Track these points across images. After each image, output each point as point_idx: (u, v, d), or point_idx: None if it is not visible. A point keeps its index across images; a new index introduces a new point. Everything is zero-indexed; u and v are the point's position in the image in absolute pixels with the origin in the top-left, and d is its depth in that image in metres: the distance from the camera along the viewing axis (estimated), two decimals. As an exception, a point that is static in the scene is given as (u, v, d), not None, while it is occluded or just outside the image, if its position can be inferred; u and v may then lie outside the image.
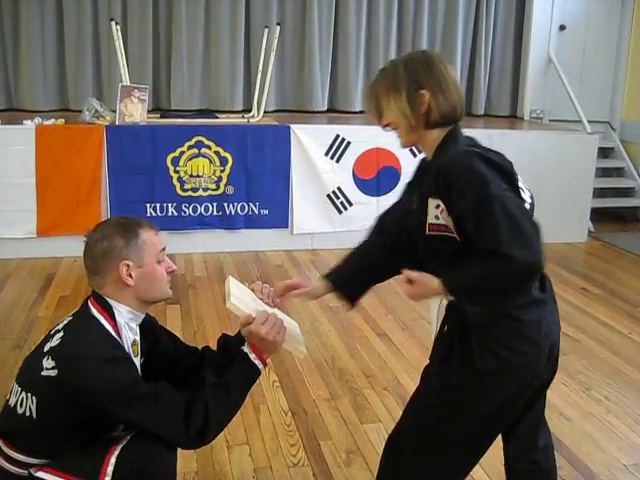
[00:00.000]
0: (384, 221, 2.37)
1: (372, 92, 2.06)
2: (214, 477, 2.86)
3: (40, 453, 2.02)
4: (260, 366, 2.15)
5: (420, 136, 2.03)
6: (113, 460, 1.97)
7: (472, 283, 1.87)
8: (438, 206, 1.90)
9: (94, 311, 2.05)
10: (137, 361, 2.11)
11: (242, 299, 2.20)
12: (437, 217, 1.91)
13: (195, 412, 1.99)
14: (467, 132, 6.29)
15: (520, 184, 1.94)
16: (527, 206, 1.93)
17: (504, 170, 1.90)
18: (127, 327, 2.09)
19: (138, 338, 2.15)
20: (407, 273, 1.97)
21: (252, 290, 2.33)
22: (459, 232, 1.89)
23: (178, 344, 2.41)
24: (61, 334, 2.03)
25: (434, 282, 1.91)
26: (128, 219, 2.17)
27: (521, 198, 1.91)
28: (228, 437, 3.12)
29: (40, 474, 1.99)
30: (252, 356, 2.13)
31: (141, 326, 2.18)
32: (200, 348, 2.44)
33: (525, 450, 2.24)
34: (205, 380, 2.08)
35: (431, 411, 2.08)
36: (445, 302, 2.02)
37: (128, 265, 2.07)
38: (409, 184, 2.27)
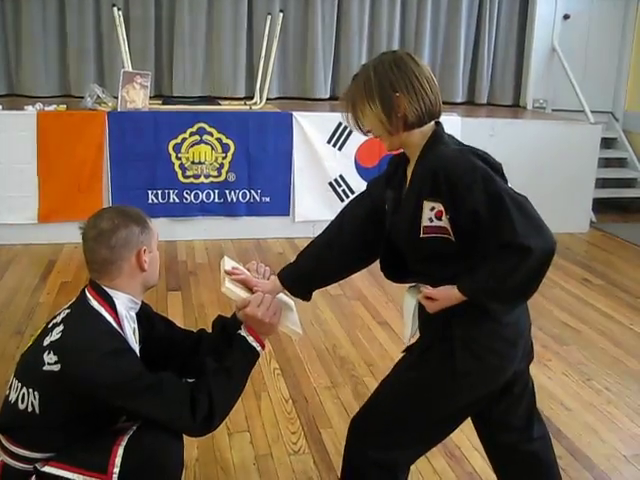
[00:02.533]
0: (347, 217, 2.32)
1: (346, 102, 2.06)
2: (215, 464, 2.86)
3: (45, 448, 2.02)
4: (259, 349, 2.15)
5: (404, 138, 1.99)
6: (121, 451, 1.96)
7: (496, 282, 1.86)
8: (433, 208, 1.88)
9: (94, 303, 2.04)
10: (138, 349, 2.11)
11: (237, 282, 2.18)
12: (431, 219, 1.89)
13: (200, 399, 1.99)
14: (470, 121, 6.28)
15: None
16: None
17: (495, 168, 1.90)
18: (128, 317, 2.08)
19: (137, 326, 2.15)
20: (427, 292, 1.99)
21: (247, 270, 2.32)
22: (456, 232, 1.89)
23: (174, 328, 2.42)
24: (61, 327, 2.01)
25: (454, 292, 1.93)
26: (129, 208, 2.17)
27: None
28: (229, 424, 3.12)
29: (47, 469, 1.99)
30: (250, 339, 2.14)
31: (137, 314, 2.18)
32: (196, 331, 2.44)
33: (520, 441, 2.23)
34: (205, 366, 2.08)
35: (398, 397, 2.09)
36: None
37: (145, 250, 2.08)
38: (381, 180, 2.24)
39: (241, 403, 3.32)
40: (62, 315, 2.08)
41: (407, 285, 2.19)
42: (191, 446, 2.93)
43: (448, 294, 1.94)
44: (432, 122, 1.99)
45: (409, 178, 2.03)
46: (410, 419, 2.06)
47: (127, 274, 2.08)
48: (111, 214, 2.11)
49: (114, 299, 2.06)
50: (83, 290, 2.11)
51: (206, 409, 1.99)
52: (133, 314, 2.13)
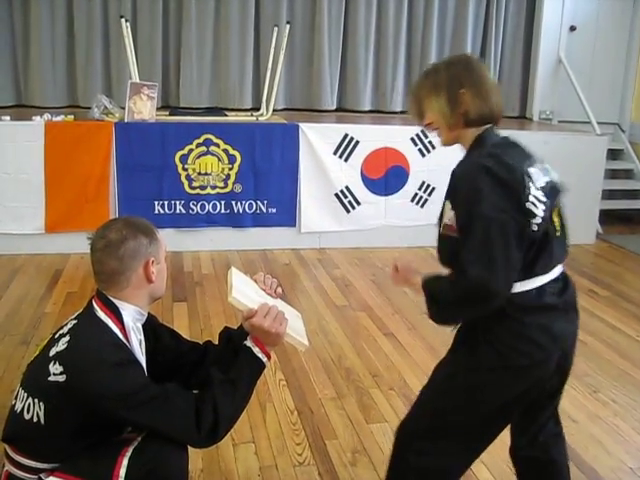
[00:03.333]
0: None
1: (414, 93, 2.17)
2: (220, 475, 2.86)
3: (50, 458, 2.02)
4: (264, 359, 2.15)
5: (459, 134, 2.10)
6: (125, 462, 1.96)
7: (437, 292, 2.02)
8: (451, 208, 1.99)
9: (101, 314, 2.04)
10: (144, 361, 2.11)
11: (244, 292, 2.20)
12: (450, 219, 1.98)
13: (205, 411, 1.99)
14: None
15: (533, 197, 1.94)
16: (536, 224, 1.93)
17: (509, 187, 1.91)
18: (135, 328, 2.08)
19: (143, 338, 2.15)
20: (395, 262, 2.22)
21: (255, 281, 2.33)
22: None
23: (180, 340, 2.41)
24: (67, 338, 2.01)
25: (416, 278, 2.12)
26: (138, 219, 2.18)
27: (529, 215, 1.92)
28: (234, 435, 3.12)
29: (51, 479, 1.98)
30: (256, 350, 2.14)
31: (143, 325, 2.18)
32: (202, 343, 2.44)
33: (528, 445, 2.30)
34: (211, 377, 2.08)
35: (437, 396, 2.14)
36: None
37: (153, 261, 2.09)
38: None
39: (246, 414, 3.30)
40: (69, 326, 2.08)
41: None
42: (196, 457, 2.93)
43: (408, 277, 2.17)
44: (488, 125, 2.09)
45: None
46: (447, 416, 2.08)
47: (135, 285, 2.08)
48: (119, 225, 2.11)
49: (121, 310, 2.06)
50: (90, 301, 2.11)
51: (211, 421, 1.99)
52: (139, 325, 2.13)
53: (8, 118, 5.62)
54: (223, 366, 2.13)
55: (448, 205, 2.00)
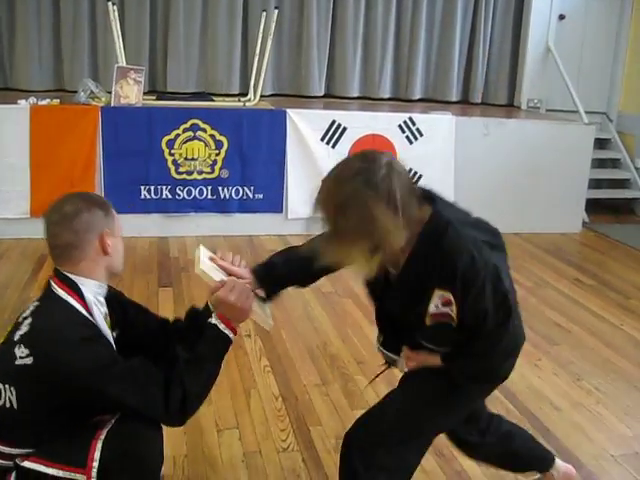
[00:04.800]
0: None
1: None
2: (203, 461, 2.86)
3: (24, 443, 2.00)
4: (231, 335, 2.13)
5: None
6: (99, 445, 1.95)
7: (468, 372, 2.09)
8: (442, 296, 1.93)
9: (61, 292, 2.02)
10: (110, 335, 2.09)
11: (212, 267, 2.19)
12: (437, 306, 1.95)
13: (172, 388, 1.98)
14: (464, 120, 6.25)
15: None
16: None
17: (501, 249, 2.02)
18: (97, 302, 2.07)
19: (107, 311, 2.13)
20: (407, 355, 2.25)
21: (222, 260, 2.31)
22: (459, 321, 1.97)
23: (149, 315, 2.41)
24: (30, 320, 2.00)
25: (434, 360, 2.12)
26: (93, 194, 2.22)
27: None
28: (218, 421, 3.13)
29: (26, 464, 1.97)
30: (221, 326, 2.12)
31: (108, 299, 2.15)
32: (171, 320, 2.43)
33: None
34: (178, 356, 2.07)
35: (402, 399, 2.24)
36: None
37: (108, 233, 2.07)
38: None
39: (230, 400, 3.32)
40: (31, 308, 2.06)
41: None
42: (180, 443, 2.94)
43: (426, 359, 2.16)
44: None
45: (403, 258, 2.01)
46: (420, 424, 2.16)
47: (91, 259, 2.06)
48: (74, 199, 2.10)
49: (80, 285, 2.04)
50: (48, 281, 2.10)
51: (179, 398, 1.98)
52: (101, 299, 2.11)
53: (-7, 101, 5.59)
54: (189, 344, 2.11)
55: (439, 293, 1.93)
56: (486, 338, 1.98)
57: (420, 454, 2.21)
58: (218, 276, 2.16)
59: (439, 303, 1.93)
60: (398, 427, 2.14)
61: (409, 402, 2.18)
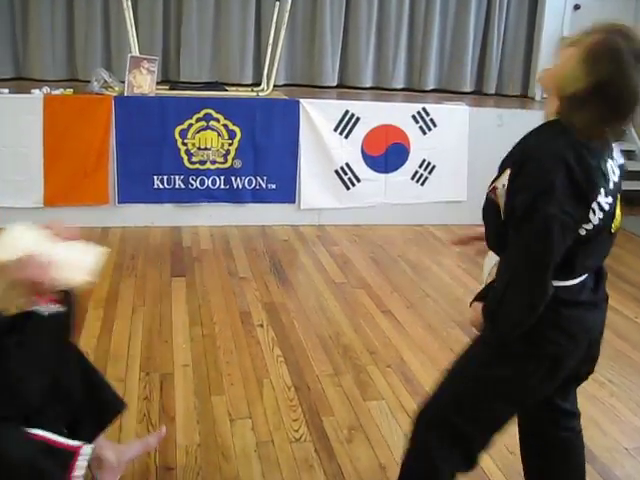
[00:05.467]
0: None
1: None
2: (216, 450, 2.87)
3: None
4: (55, 308, 1.97)
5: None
6: None
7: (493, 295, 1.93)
8: (509, 180, 1.84)
9: None
10: None
11: (10, 244, 2.03)
12: (504, 185, 1.84)
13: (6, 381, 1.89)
14: (478, 111, 6.25)
15: (597, 205, 1.84)
16: (585, 229, 1.85)
17: (581, 191, 1.80)
18: None
19: None
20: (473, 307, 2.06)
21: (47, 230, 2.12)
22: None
23: None
24: None
25: (479, 306, 2.00)
26: None
27: (584, 220, 1.84)
28: (231, 411, 3.13)
29: None
30: (41, 309, 1.96)
31: None
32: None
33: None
34: (6, 347, 1.93)
35: (464, 384, 2.09)
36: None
37: None
38: None
39: (243, 390, 3.33)
40: None
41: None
42: (193, 432, 2.95)
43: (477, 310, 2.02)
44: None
45: None
46: (472, 403, 2.05)
47: None
48: None
49: None
50: None
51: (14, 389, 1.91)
52: None
53: (7, 91, 5.59)
54: (18, 334, 1.96)
55: (507, 173, 1.84)
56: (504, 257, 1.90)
57: (485, 428, 2.11)
58: (11, 254, 1.97)
59: (506, 184, 1.84)
60: (447, 408, 2.10)
61: (457, 375, 2.13)
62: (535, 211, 1.76)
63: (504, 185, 1.83)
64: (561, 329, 1.95)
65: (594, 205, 1.83)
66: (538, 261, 1.81)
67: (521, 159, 1.82)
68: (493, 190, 1.88)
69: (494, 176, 1.92)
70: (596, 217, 1.85)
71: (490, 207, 1.92)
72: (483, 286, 2.11)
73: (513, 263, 1.86)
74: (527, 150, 1.84)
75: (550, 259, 1.80)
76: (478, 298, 2.07)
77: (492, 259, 2.08)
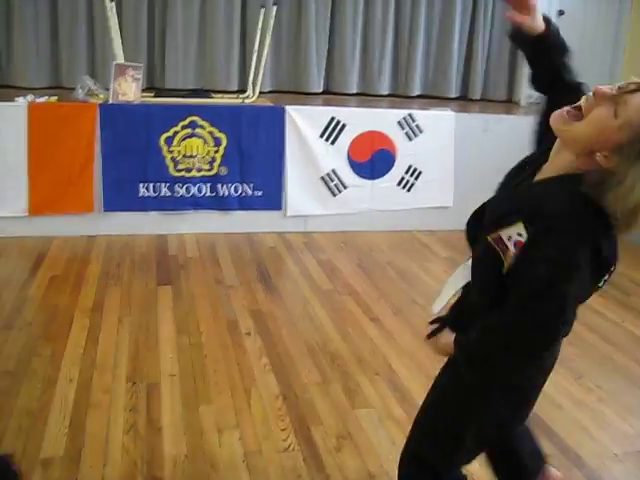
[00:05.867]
0: None
1: None
2: (204, 461, 2.84)
3: None
4: None
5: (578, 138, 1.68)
6: None
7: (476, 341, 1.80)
8: (519, 234, 1.66)
9: None
10: None
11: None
12: (510, 238, 1.68)
13: None
14: (463, 116, 6.27)
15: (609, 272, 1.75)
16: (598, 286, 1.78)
17: (604, 263, 1.71)
18: None
19: None
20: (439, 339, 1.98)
21: None
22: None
23: None
24: None
25: (449, 338, 1.91)
26: None
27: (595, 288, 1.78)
28: (218, 421, 3.11)
29: None
30: None
31: None
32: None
33: None
34: None
35: (444, 403, 2.04)
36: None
37: None
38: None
39: (230, 399, 3.31)
40: None
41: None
42: (180, 442, 2.93)
43: (441, 338, 1.96)
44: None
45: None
46: (466, 437, 1.98)
47: None
48: None
49: None
50: None
51: None
52: None
53: (-10, 99, 5.56)
54: None
55: (518, 227, 1.66)
56: (505, 310, 1.71)
57: (459, 457, 2.06)
58: None
59: (513, 236, 1.67)
60: (428, 436, 2.06)
61: (431, 408, 2.08)
62: (553, 287, 1.63)
63: (511, 238, 1.67)
64: (541, 369, 1.95)
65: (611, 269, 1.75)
66: (550, 333, 1.71)
67: (544, 222, 1.63)
68: (498, 240, 1.70)
69: (491, 217, 1.79)
70: (605, 276, 1.77)
71: (489, 257, 1.74)
72: (439, 310, 2.06)
73: (518, 329, 1.70)
74: (551, 213, 1.64)
75: (561, 331, 1.72)
76: (440, 326, 2.01)
77: (459, 280, 1.99)
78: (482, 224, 1.81)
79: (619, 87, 1.67)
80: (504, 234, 1.68)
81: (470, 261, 1.91)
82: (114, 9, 5.71)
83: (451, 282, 2.03)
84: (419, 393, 1.90)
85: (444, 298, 2.04)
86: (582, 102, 1.66)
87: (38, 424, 3.00)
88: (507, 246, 1.68)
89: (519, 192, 1.79)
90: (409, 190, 6.29)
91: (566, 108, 1.68)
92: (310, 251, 5.62)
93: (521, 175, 1.87)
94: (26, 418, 3.04)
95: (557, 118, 1.69)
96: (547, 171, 1.76)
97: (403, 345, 4.00)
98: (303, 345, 3.95)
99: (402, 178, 6.25)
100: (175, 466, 2.79)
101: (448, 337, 1.91)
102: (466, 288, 1.96)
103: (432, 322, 2.06)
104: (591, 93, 1.68)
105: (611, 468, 2.98)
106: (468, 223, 1.93)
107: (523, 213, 1.66)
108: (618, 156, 1.58)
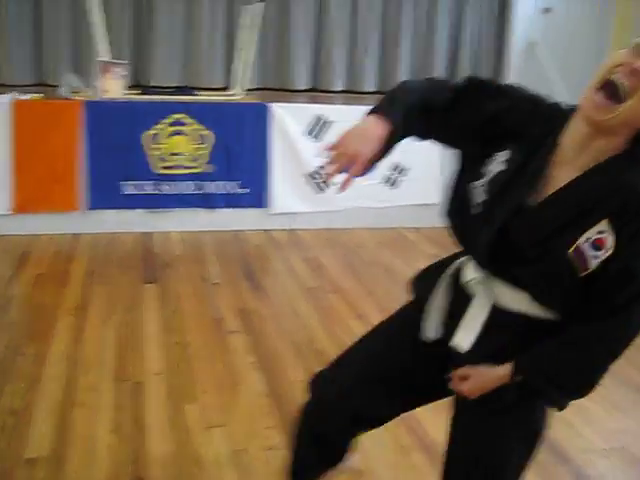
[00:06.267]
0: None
1: None
2: (190, 459, 2.83)
3: None
4: None
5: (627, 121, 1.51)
6: None
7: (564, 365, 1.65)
8: (600, 232, 1.52)
9: None
10: None
11: None
12: (588, 239, 1.53)
13: None
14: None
15: None
16: None
17: None
18: None
19: None
20: (462, 371, 1.73)
21: None
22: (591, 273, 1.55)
23: None
24: None
25: (495, 370, 1.68)
26: None
27: None
28: (204, 419, 3.10)
29: None
30: None
31: None
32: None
33: None
34: None
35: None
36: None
37: None
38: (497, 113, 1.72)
39: (216, 398, 3.30)
40: None
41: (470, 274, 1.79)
42: (166, 441, 2.91)
43: (485, 372, 1.70)
44: None
45: (570, 174, 1.59)
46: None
47: None
48: None
49: None
50: None
51: None
52: None
53: (-26, 96, 5.52)
54: None
55: (603, 224, 1.52)
56: (604, 318, 1.56)
57: None
58: None
59: (592, 238, 1.52)
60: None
61: (480, 459, 1.79)
62: None
63: (588, 239, 1.53)
64: None
65: None
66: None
67: (632, 212, 1.50)
68: (577, 252, 1.54)
69: (550, 229, 1.58)
70: None
71: (561, 269, 1.57)
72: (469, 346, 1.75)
73: (628, 331, 1.58)
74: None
75: None
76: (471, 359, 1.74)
77: (482, 308, 1.74)
78: (515, 245, 1.63)
79: None
80: (582, 239, 1.53)
81: (488, 284, 1.72)
82: (98, 7, 5.68)
83: (472, 313, 1.74)
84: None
85: (471, 331, 1.74)
86: (617, 81, 1.48)
87: (22, 423, 2.98)
88: (582, 250, 1.53)
89: (575, 191, 1.58)
90: (395, 187, 6.29)
91: (596, 97, 1.50)
92: (296, 249, 5.61)
93: (519, 185, 1.64)
94: (10, 417, 3.02)
95: (598, 109, 1.50)
96: (578, 165, 1.58)
97: (389, 342, 4.00)
98: (289, 343, 3.94)
99: (388, 175, 6.25)
100: (161, 465, 2.78)
101: (490, 371, 1.70)
102: (495, 311, 1.73)
103: (455, 364, 1.78)
104: (625, 75, 1.47)
105: (597, 463, 2.99)
106: (489, 254, 1.68)
107: (609, 208, 1.51)
108: None
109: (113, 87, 5.60)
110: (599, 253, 1.52)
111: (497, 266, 1.69)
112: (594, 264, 1.52)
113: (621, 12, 8.04)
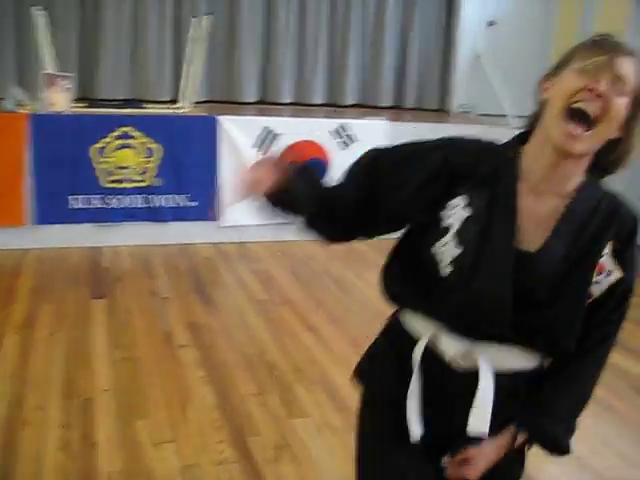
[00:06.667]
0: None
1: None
2: (140, 476, 2.80)
3: None
4: None
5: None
6: None
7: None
8: (602, 255, 1.51)
9: None
10: None
11: None
12: (599, 273, 1.50)
13: None
14: (396, 125, 6.29)
15: None
16: None
17: None
18: None
19: None
20: (461, 455, 1.57)
21: None
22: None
23: None
24: None
25: (496, 441, 1.57)
26: None
27: None
28: (153, 435, 3.07)
29: None
30: None
31: None
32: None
33: None
34: None
35: None
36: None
37: None
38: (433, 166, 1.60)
39: (166, 413, 3.27)
40: None
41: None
42: (115, 457, 2.88)
43: (486, 450, 1.56)
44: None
45: (547, 201, 1.52)
46: None
47: None
48: None
49: None
50: None
51: None
52: None
53: None
54: None
55: (608, 247, 1.50)
56: (599, 343, 1.57)
57: None
58: None
59: (608, 272, 1.50)
60: None
61: None
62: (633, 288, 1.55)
63: (600, 273, 1.51)
64: None
65: None
66: None
67: (630, 226, 1.52)
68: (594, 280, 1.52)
69: (566, 265, 1.50)
70: None
71: (582, 304, 1.52)
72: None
73: (613, 344, 1.59)
74: (633, 216, 1.53)
75: None
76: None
77: (487, 385, 1.55)
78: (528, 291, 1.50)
79: (595, 67, 1.40)
80: (596, 277, 1.50)
81: (479, 352, 1.54)
82: (43, 18, 5.63)
83: (481, 395, 1.55)
84: (356, 401, 1.85)
85: (485, 410, 1.55)
86: (586, 109, 1.41)
87: (-32, 444, 2.92)
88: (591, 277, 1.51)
89: (573, 219, 1.51)
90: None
91: (569, 127, 1.42)
92: (246, 261, 5.61)
93: (499, 226, 1.52)
94: (-45, 438, 2.96)
95: (573, 140, 1.43)
96: (554, 191, 1.52)
97: (340, 353, 4.01)
98: (239, 356, 3.93)
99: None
100: (110, 482, 2.75)
101: (491, 444, 1.57)
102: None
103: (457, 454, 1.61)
104: (590, 98, 1.40)
105: (546, 470, 3.03)
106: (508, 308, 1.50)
107: (611, 232, 1.50)
108: (627, 123, 1.46)
109: (59, 100, 5.54)
110: (599, 278, 1.49)
111: (498, 325, 1.52)
112: (596, 290, 1.50)
113: (563, 22, 8.20)
